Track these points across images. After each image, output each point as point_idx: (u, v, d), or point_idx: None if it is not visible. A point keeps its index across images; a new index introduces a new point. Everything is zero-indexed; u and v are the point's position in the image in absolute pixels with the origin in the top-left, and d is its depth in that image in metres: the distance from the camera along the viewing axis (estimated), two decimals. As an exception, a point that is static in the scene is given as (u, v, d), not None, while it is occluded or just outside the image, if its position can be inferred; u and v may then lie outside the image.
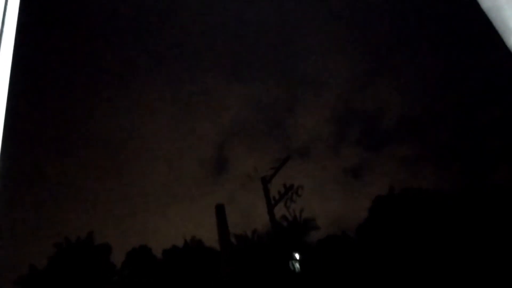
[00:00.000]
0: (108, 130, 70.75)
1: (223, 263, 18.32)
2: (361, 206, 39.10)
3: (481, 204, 28.56)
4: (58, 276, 26.99)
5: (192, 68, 76.14)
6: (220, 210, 20.78)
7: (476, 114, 62.74)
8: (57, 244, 30.11)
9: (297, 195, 22.08)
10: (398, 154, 67.79)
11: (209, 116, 76.07)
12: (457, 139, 57.50)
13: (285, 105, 73.56)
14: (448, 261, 25.81)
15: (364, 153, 75.86)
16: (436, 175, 61.81)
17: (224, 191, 63.30)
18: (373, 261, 28.39)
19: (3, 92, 1.54)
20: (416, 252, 27.12)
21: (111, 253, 31.24)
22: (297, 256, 29.59)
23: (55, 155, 63.66)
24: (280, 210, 22.50)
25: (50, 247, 30.74)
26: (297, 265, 29.41)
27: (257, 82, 75.22)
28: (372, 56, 69.73)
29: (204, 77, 75.16)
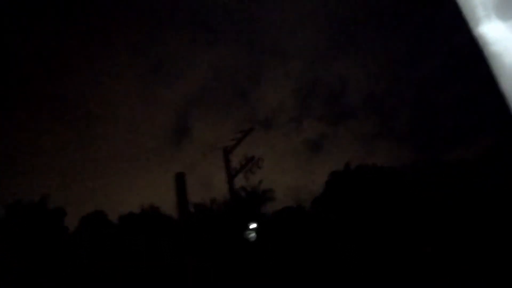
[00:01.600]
0: (67, 92, 68.19)
1: (180, 230, 18.49)
2: (319, 179, 40.14)
3: (433, 182, 29.97)
4: (8, 238, 26.32)
5: (156, 30, 73.90)
6: (179, 179, 20.80)
7: (435, 96, 65.01)
8: (8, 205, 29.22)
9: (258, 167, 22.40)
10: (358, 130, 69.51)
11: (172, 81, 74.49)
12: (414, 118, 59.65)
13: (250, 74, 73.18)
14: (398, 235, 27.11)
15: (325, 127, 77.24)
16: (392, 152, 64.07)
17: (185, 159, 63.01)
18: (326, 234, 29.38)
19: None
20: (368, 226, 28.27)
21: (65, 217, 30.71)
22: (253, 226, 30.26)
23: (11, 114, 60.90)
24: (239, 181, 22.81)
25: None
26: (253, 234, 30.11)
27: (222, 49, 74.09)
28: (340, 32, 70.17)
29: (168, 40, 73.14)
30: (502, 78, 1.83)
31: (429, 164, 34.97)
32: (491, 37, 1.84)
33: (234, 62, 76.88)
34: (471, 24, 1.94)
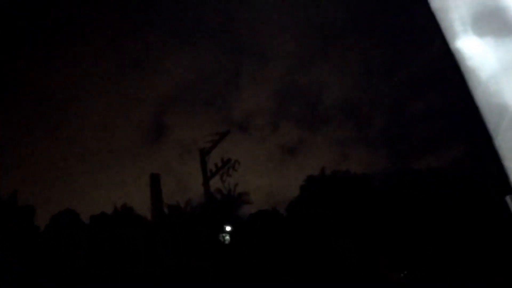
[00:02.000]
0: (39, 86, 66.51)
1: (154, 232, 18.31)
2: (294, 184, 40.40)
3: (404, 189, 30.60)
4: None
5: (134, 27, 72.99)
6: (154, 180, 20.66)
7: (409, 105, 66.54)
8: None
9: (234, 169, 22.44)
10: (333, 135, 70.43)
11: (148, 78, 73.58)
12: (388, 125, 60.85)
13: (229, 75, 73.15)
14: (369, 241, 27.54)
15: (301, 132, 77.90)
16: (366, 158, 65.13)
17: (160, 159, 62.29)
18: (300, 238, 29.59)
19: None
20: (341, 232, 28.61)
21: (34, 215, 29.94)
22: (228, 228, 30.18)
23: (-23, 108, 58.97)
24: (215, 183, 22.77)
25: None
26: (227, 237, 30.02)
27: (202, 47, 73.74)
28: (319, 37, 70.89)
29: (147, 38, 72.33)
30: (477, 93, 1.87)
31: (400, 171, 35.75)
32: (467, 52, 1.88)
33: (213, 63, 76.70)
34: (448, 37, 1.99)
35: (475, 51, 1.93)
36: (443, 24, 2.11)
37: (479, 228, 25.00)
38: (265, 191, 65.61)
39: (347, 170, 35.74)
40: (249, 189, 34.93)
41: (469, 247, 24.57)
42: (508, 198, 2.08)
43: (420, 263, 26.42)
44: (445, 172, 32.49)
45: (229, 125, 61.84)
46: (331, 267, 26.55)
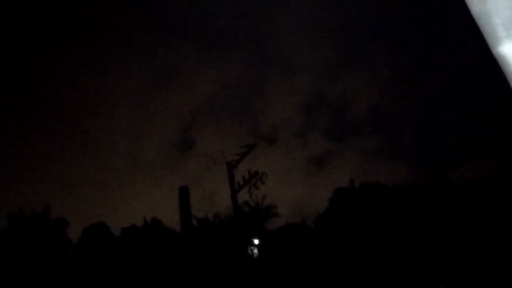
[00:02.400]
0: (71, 101, 68.57)
1: (183, 245, 18.35)
2: (323, 196, 39.95)
3: (436, 201, 29.75)
4: (10, 248, 26.21)
5: (163, 42, 74.45)
6: (183, 192, 20.78)
7: (441, 113, 64.91)
8: (11, 215, 29.16)
9: (261, 182, 22.36)
10: (362, 146, 69.41)
11: (177, 93, 74.74)
12: (418, 135, 59.53)
13: (256, 87, 73.47)
14: (403, 255, 26.81)
15: (329, 143, 77.13)
16: (396, 169, 63.81)
17: (189, 172, 62.79)
18: (329, 252, 29.11)
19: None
20: (372, 246, 28.00)
21: (67, 228, 30.59)
22: (256, 241, 30.01)
23: (14, 125, 61.25)
24: (243, 195, 22.73)
25: (2, 218, 29.76)
26: (255, 250, 29.84)
27: (229, 61, 74.55)
28: (346, 47, 70.50)
29: (175, 52, 73.61)
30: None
31: (433, 182, 34.75)
32: (511, 57, 1.78)
33: (240, 75, 77.28)
34: (490, 43, 1.89)
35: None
36: (485, 30, 2.01)
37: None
38: (293, 204, 65.05)
39: (376, 181, 35.05)
40: (277, 202, 34.66)
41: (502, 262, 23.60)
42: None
43: (455, 277, 25.52)
44: (478, 183, 31.45)
45: (256, 137, 61.91)
46: (365, 281, 25.96)
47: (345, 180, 36.08)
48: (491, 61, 1.97)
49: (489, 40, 1.99)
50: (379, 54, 69.64)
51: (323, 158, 74.55)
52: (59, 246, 28.02)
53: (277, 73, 73.58)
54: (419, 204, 30.88)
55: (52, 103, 67.02)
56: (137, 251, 28.16)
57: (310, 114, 73.33)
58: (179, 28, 72.88)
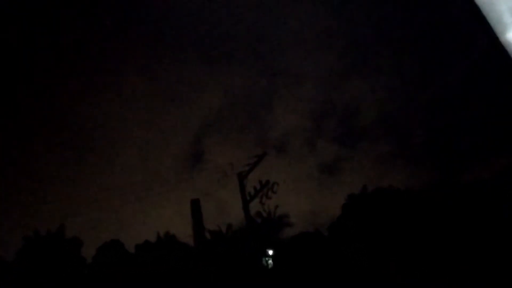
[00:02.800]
0: (80, 118, 69.26)
1: (197, 258, 18.28)
2: (335, 203, 39.61)
3: (451, 203, 29.37)
4: (26, 268, 26.33)
5: (170, 55, 75.05)
6: (195, 205, 20.73)
7: (451, 114, 64.21)
8: (26, 237, 29.35)
9: (273, 191, 22.21)
10: (373, 151, 68.78)
11: (185, 106, 75.01)
12: (429, 138, 58.87)
13: (263, 97, 73.45)
14: (418, 259, 26.42)
15: (339, 149, 76.44)
16: (408, 173, 63.04)
17: (199, 185, 62.69)
18: (344, 259, 28.82)
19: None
20: (387, 251, 27.67)
21: (82, 247, 30.68)
22: (270, 252, 29.80)
23: (24, 143, 61.94)
24: (255, 206, 22.61)
25: (18, 239, 29.97)
26: (270, 261, 29.62)
27: (235, 73, 74.88)
28: (352, 52, 70.34)
29: (182, 65, 74.17)
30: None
31: (447, 185, 34.35)
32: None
33: (247, 86, 77.28)
34: (497, 31, 1.84)
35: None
36: (491, 17, 1.97)
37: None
38: (306, 212, 64.51)
39: (389, 186, 34.76)
40: (290, 211, 34.53)
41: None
42: None
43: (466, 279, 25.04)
44: (494, 182, 31.00)
45: (265, 147, 61.80)
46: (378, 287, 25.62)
47: (358, 186, 35.83)
48: (499, 50, 1.93)
49: (496, 27, 1.95)
50: (385, 57, 69.32)
51: (334, 165, 73.98)
52: (74, 265, 28.09)
53: (283, 81, 73.54)
54: (433, 207, 30.53)
55: (62, 122, 67.69)
56: (152, 266, 28.12)
57: (319, 121, 72.97)
58: (184, 41, 73.36)
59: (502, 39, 1.93)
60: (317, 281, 27.28)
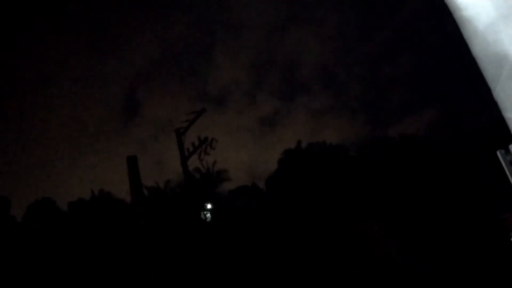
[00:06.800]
0: (10, 76, 63.93)
1: (136, 215, 18.11)
2: (273, 157, 40.65)
3: (383, 154, 31.07)
4: None
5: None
6: (131, 162, 20.21)
7: (384, 68, 66.80)
8: None
9: (211, 147, 22.29)
10: (310, 105, 70.26)
11: (117, 54, 71.12)
12: (364, 92, 61.26)
13: (202, 47, 71.41)
14: (350, 213, 28.02)
15: (279, 103, 77.09)
16: (342, 128, 65.56)
17: (135, 140, 61.18)
18: (280, 213, 29.89)
19: None
20: (320, 205, 28.96)
21: (10, 206, 29.24)
22: (209, 206, 30.30)
23: None
24: (194, 162, 22.61)
25: None
26: (208, 215, 30.17)
27: (172, 20, 71.87)
28: (293, 1, 69.88)
29: (115, 10, 69.82)
30: (474, 43, 1.85)
31: (375, 139, 36.19)
32: (462, 1, 1.85)
33: (185, 36, 74.49)
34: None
35: (470, 0, 1.90)
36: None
37: (458, 193, 25.66)
38: (244, 166, 65.58)
39: (323, 141, 36.10)
40: (229, 166, 35.02)
41: (451, 212, 25.17)
42: (499, 152, 2.09)
43: (401, 231, 27.00)
44: (420, 138, 33.19)
45: (204, 100, 61.11)
46: (310, 240, 26.96)
47: (295, 140, 36.85)
48: (434, 8, 2.02)
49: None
50: (327, 10, 69.68)
51: (273, 118, 74.81)
52: (2, 225, 26.80)
53: (223, 31, 71.65)
54: (362, 162, 32.25)
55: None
56: (88, 225, 27.56)
57: (258, 73, 72.74)
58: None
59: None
60: (253, 233, 28.28)
